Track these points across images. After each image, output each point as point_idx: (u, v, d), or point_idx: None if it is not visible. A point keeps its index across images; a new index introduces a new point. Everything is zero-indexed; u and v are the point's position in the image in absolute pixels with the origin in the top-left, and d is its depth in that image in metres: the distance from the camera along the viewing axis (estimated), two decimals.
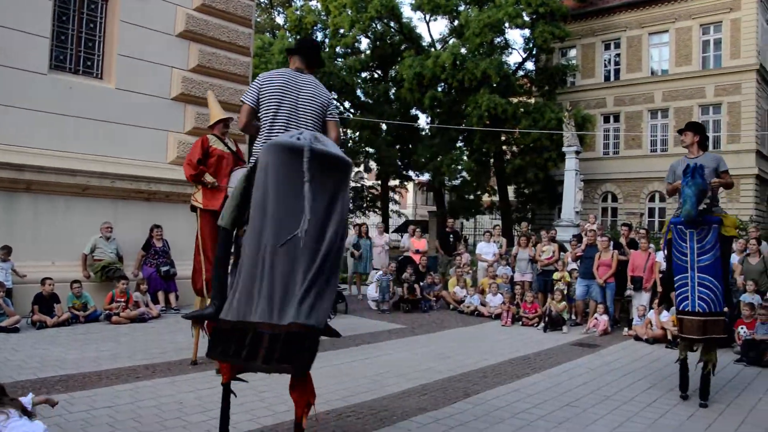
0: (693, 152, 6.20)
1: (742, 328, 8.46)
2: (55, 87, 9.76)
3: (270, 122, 4.06)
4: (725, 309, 6.13)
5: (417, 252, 13.58)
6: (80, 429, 4.42)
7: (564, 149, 20.97)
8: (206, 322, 6.41)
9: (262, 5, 35.84)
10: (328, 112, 4.25)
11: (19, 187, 9.24)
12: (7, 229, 9.15)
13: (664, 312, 9.34)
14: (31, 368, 6.14)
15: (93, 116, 10.07)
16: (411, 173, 33.72)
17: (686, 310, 5.87)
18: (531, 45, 29.17)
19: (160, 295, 10.18)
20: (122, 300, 9.18)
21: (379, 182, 35.66)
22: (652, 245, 10.74)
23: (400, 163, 31.94)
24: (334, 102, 3.85)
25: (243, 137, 11.45)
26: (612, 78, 30.22)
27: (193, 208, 6.75)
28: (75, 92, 9.98)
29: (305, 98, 4.14)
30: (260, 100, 4.12)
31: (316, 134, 3.62)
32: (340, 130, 3.81)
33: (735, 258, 9.95)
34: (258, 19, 32.41)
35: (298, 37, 30.69)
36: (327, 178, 3.41)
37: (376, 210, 36.65)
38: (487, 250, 13.20)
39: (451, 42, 29.23)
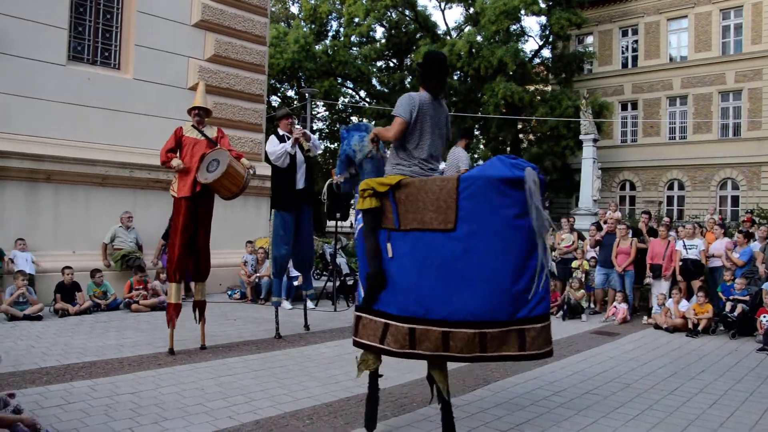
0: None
1: (764, 316, 8.36)
2: (73, 78, 9.82)
3: None
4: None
5: None
6: (103, 414, 4.47)
7: (581, 137, 20.82)
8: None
9: None
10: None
11: (39, 177, 9.32)
12: (29, 218, 9.25)
13: (684, 301, 9.27)
14: (54, 355, 6.21)
15: (111, 106, 10.14)
16: None
17: None
18: (547, 32, 28.92)
19: None
20: (140, 287, 9.26)
21: None
22: (672, 233, 10.65)
23: None
24: None
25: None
26: (630, 65, 29.87)
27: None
28: (93, 83, 10.04)
29: None
30: None
31: None
32: None
33: (757, 246, 9.85)
34: (273, 9, 32.38)
35: (313, 26, 30.64)
36: None
37: None
38: None
39: (466, 30, 29.06)
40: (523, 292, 3.60)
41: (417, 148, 4.23)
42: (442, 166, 4.21)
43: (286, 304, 9.40)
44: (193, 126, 6.89)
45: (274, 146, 7.44)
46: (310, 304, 9.28)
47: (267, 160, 8.68)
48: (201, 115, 6.90)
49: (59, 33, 9.67)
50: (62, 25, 9.71)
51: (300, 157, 7.58)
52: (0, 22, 9.04)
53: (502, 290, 3.62)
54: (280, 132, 7.63)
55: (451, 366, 6.36)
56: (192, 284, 7.46)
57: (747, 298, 8.89)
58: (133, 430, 4.21)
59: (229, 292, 10.90)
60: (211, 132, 6.95)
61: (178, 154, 6.74)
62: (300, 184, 7.55)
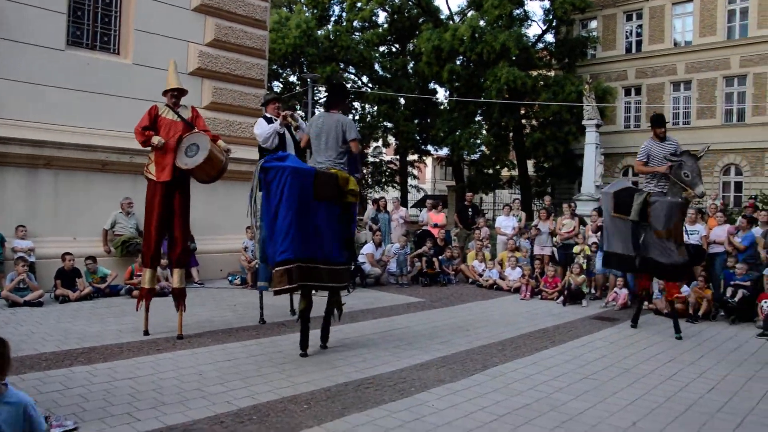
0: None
1: (765, 301, 8.34)
2: (72, 63, 9.77)
3: None
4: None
5: (435, 226, 13.53)
6: (102, 399, 4.48)
7: (584, 122, 20.73)
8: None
9: None
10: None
11: (38, 164, 9.31)
12: (29, 204, 9.24)
13: (684, 285, 9.23)
14: (54, 341, 6.23)
15: (111, 92, 10.09)
16: (429, 148, 33.56)
17: None
18: (551, 17, 28.75)
19: None
20: (141, 274, 9.24)
21: (398, 157, 35.57)
22: None
23: (418, 137, 31.80)
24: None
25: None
26: (634, 50, 29.64)
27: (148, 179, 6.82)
28: (93, 68, 9.99)
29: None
30: None
31: None
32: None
33: (759, 231, 9.81)
34: None
35: (315, 11, 30.46)
36: None
37: (395, 185, 36.62)
38: (507, 223, 13.12)
39: (469, 14, 28.86)
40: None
41: (314, 151, 6.33)
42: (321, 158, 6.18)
43: None
44: (167, 106, 6.83)
45: (262, 128, 7.43)
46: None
47: None
48: (177, 96, 6.87)
49: (58, 17, 9.60)
50: (61, 10, 9.64)
51: (289, 139, 7.55)
52: None
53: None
54: (267, 115, 7.61)
55: (450, 351, 6.39)
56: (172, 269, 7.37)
57: (748, 283, 8.86)
58: (131, 414, 4.22)
59: (230, 278, 10.90)
60: (186, 113, 6.90)
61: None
62: None
